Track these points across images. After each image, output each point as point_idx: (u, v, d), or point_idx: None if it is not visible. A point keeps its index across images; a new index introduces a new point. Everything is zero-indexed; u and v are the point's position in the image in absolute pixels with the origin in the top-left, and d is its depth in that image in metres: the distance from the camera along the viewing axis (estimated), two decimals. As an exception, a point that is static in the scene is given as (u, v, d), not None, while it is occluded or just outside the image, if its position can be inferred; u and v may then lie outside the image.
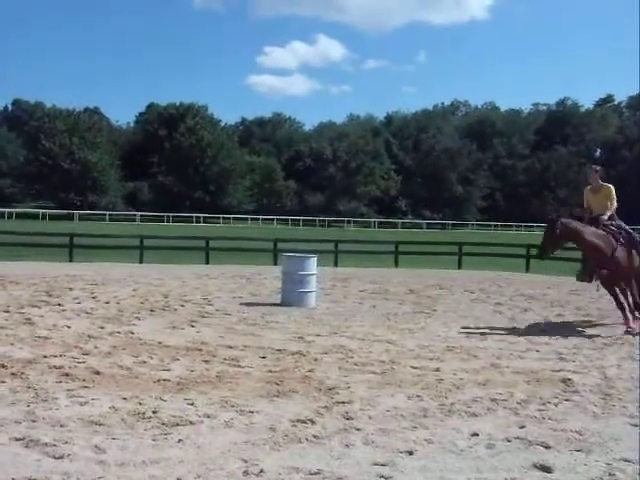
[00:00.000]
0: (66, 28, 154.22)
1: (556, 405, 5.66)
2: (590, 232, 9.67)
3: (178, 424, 4.81)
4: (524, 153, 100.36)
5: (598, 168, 10.63)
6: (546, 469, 4.21)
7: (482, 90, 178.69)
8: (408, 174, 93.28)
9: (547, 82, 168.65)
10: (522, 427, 5.02)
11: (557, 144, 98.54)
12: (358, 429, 4.85)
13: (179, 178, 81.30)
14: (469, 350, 8.00)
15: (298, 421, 4.98)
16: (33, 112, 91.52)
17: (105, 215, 71.45)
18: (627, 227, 10.12)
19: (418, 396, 5.79)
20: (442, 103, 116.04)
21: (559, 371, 6.98)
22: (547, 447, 4.59)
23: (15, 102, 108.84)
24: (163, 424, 4.80)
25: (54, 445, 4.28)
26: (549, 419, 5.25)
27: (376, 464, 4.19)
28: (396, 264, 20.92)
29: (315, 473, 4.03)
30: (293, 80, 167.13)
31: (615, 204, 10.14)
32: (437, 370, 6.84)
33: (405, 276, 17.68)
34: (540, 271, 18.98)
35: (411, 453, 4.40)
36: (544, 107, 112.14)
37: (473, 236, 56.28)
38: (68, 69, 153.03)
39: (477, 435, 4.79)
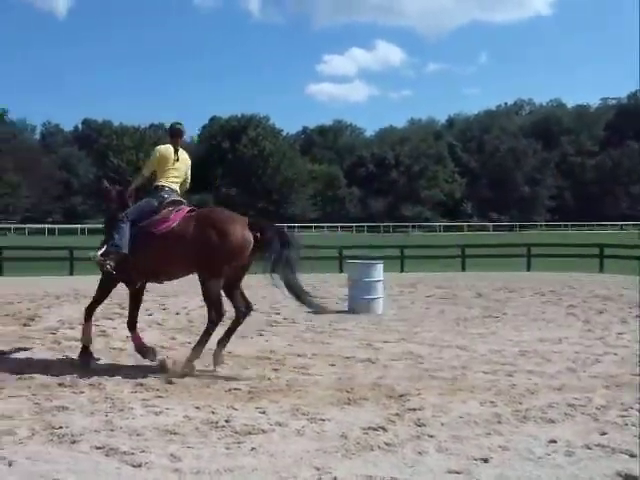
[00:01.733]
0: (129, 46, 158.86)
1: (639, 411, 5.43)
2: None
3: (250, 432, 4.85)
4: (593, 150, 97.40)
5: None
6: (632, 478, 4.03)
7: (547, 87, 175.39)
8: (472, 176, 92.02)
9: (616, 75, 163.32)
10: (603, 434, 4.84)
11: (629, 139, 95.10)
12: (431, 436, 4.78)
13: (243, 189, 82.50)
14: (543, 354, 7.79)
15: (369, 429, 4.94)
16: (101, 130, 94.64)
17: (173, 228, 72.92)
18: None
19: (491, 402, 5.66)
20: (505, 103, 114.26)
21: (640, 375, 6.71)
22: (632, 455, 4.40)
23: (84, 122, 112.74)
24: (236, 433, 4.84)
25: (132, 454, 4.38)
26: (632, 425, 5.04)
27: (450, 472, 4.12)
28: (463, 268, 20.63)
29: (389, 481, 3.98)
30: (353, 87, 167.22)
31: None
32: (510, 375, 6.68)
33: (473, 280, 17.40)
34: (615, 271, 18.34)
35: (486, 460, 4.30)
36: (614, 101, 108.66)
37: (542, 237, 54.91)
38: (133, 87, 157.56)
39: (555, 442, 4.64)
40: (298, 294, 7.26)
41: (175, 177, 7.51)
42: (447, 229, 77.57)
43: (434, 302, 12.95)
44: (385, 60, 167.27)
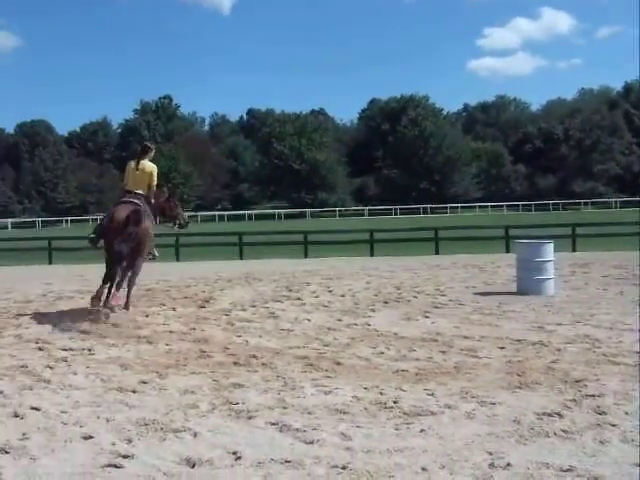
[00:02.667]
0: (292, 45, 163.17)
1: None
2: None
3: (419, 414, 4.81)
4: None
5: None
6: None
7: None
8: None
9: None
10: None
11: None
12: (613, 425, 4.47)
13: (404, 170, 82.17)
14: None
15: (544, 414, 4.73)
16: (265, 119, 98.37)
17: (335, 211, 74.55)
18: None
19: (682, 390, 5.20)
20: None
21: None
22: None
23: (249, 112, 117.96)
24: (405, 414, 4.83)
25: (304, 431, 4.51)
26: None
27: (639, 465, 3.82)
28: (642, 246, 19.11)
29: (567, 470, 3.78)
30: (516, 59, 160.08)
31: None
32: (703, 362, 6.09)
33: (655, 259, 16.06)
34: None
35: (679, 454, 3.95)
36: None
37: None
38: (293, 77, 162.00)
39: None
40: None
41: (135, 183, 9.82)
42: (625, 205, 72.19)
43: (611, 283, 12.13)
44: (551, 28, 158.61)
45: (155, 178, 9.99)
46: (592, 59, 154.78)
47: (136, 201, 9.47)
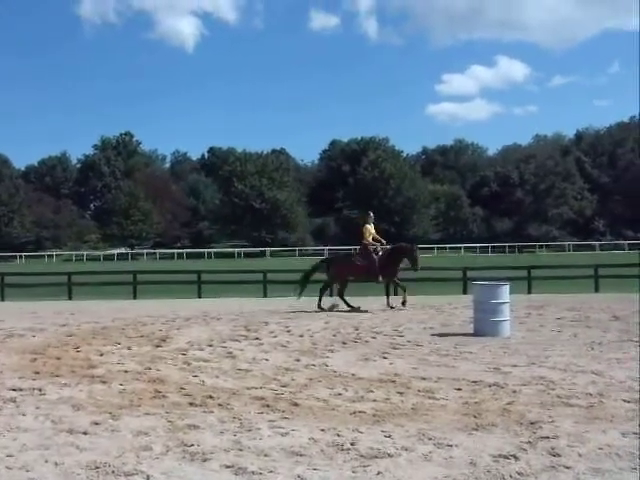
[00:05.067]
0: (249, 85, 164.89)
1: None
2: None
3: (376, 456, 4.78)
4: None
5: None
6: None
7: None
8: (604, 192, 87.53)
9: None
10: None
11: None
12: (567, 467, 4.50)
13: (364, 211, 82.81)
14: (691, 382, 7.19)
15: (500, 456, 4.74)
16: (226, 158, 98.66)
17: (295, 251, 74.65)
18: None
19: (635, 433, 5.26)
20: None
21: None
22: None
23: (210, 150, 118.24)
24: (362, 456, 4.80)
25: (260, 474, 4.44)
26: None
27: (591, 507, 3.85)
28: (596, 289, 19.56)
29: (523, 513, 3.79)
30: (474, 105, 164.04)
31: None
32: (654, 404, 6.21)
33: (608, 302, 16.43)
34: None
35: (631, 497, 4.00)
36: None
37: (684, 255, 51.09)
38: (256, 117, 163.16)
39: None
40: None
41: None
42: (577, 248, 74.09)
43: (565, 325, 12.34)
44: (507, 76, 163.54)
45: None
46: (546, 107, 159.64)
47: None
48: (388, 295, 16.12)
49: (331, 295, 17.14)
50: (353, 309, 15.42)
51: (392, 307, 15.54)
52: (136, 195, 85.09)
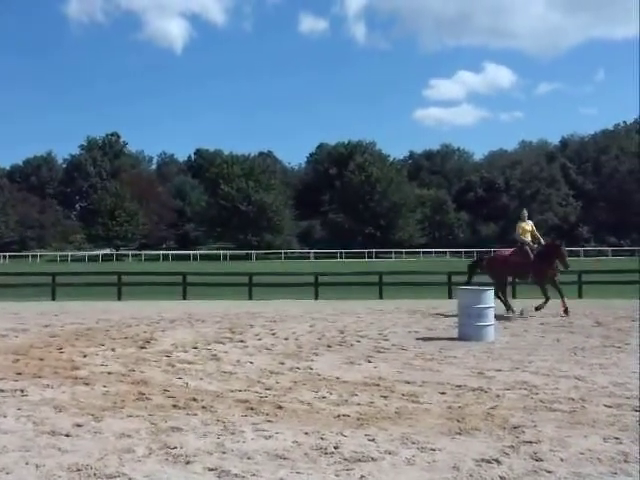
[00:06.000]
0: (240, 86, 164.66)
1: None
2: None
3: (360, 460, 4.79)
4: None
5: None
6: None
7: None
8: (589, 199, 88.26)
9: None
10: None
11: None
12: (549, 472, 4.53)
13: (350, 215, 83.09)
14: (672, 388, 7.26)
15: (483, 460, 4.76)
16: (213, 160, 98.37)
17: (281, 254, 74.61)
18: None
19: (616, 438, 5.31)
20: (624, 122, 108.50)
21: None
22: None
23: (197, 152, 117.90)
24: (345, 459, 4.80)
25: (243, 477, 4.43)
26: None
27: (572, 511, 3.88)
28: (580, 295, 19.69)
29: (504, 518, 3.80)
30: (461, 110, 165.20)
31: None
32: (636, 410, 6.25)
33: (591, 308, 16.58)
34: None
35: (611, 501, 4.03)
36: None
37: (666, 262, 51.56)
38: (242, 119, 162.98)
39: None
40: None
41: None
42: (561, 254, 74.52)
43: (549, 330, 12.42)
44: (494, 82, 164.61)
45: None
46: (532, 113, 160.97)
47: None
48: (563, 296, 15.23)
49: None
50: (509, 309, 15.28)
51: (521, 314, 14.97)
52: (122, 196, 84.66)
